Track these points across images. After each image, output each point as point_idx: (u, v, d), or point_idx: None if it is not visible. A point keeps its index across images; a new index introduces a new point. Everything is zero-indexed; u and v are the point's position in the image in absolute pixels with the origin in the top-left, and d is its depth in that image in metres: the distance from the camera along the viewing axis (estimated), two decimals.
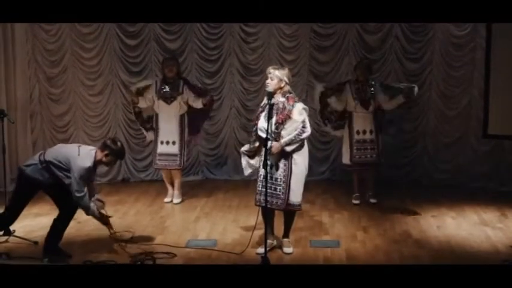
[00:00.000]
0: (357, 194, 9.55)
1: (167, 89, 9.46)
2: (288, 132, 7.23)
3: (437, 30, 10.42)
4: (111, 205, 9.14)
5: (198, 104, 9.48)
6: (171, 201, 9.71)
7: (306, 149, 7.45)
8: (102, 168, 10.30)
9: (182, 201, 9.70)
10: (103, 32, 10.74)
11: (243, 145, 10.68)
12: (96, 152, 7.23)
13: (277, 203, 7.37)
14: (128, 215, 9.05)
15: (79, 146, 7.38)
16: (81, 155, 7.17)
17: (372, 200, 9.49)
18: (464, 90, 10.47)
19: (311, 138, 10.71)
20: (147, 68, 10.85)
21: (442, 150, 10.68)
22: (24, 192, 7.34)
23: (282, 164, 7.32)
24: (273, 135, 7.21)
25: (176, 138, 9.53)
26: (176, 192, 9.74)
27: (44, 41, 10.66)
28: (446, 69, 10.49)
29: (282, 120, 7.22)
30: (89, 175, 7.23)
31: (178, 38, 10.87)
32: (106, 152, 7.20)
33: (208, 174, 11.21)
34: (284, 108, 7.24)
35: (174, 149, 9.53)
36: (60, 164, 7.16)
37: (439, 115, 10.62)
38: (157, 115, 9.59)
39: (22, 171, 7.31)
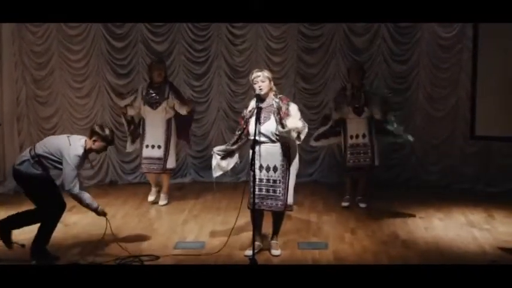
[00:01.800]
0: (347, 197, 9.54)
1: (153, 94, 9.46)
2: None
3: (424, 32, 10.48)
4: None
5: (182, 110, 9.48)
6: (154, 199, 9.73)
7: (297, 149, 7.52)
8: (88, 172, 10.39)
9: (168, 203, 9.71)
10: (90, 33, 10.74)
11: None
12: (86, 141, 7.27)
13: (277, 205, 7.42)
14: (116, 217, 9.03)
15: (68, 136, 7.41)
16: (72, 144, 7.20)
17: (362, 205, 9.47)
18: (452, 92, 10.54)
19: None
20: (134, 70, 10.87)
21: (429, 152, 10.74)
22: (31, 190, 7.34)
23: (279, 165, 7.36)
24: (276, 138, 7.28)
25: (161, 143, 9.51)
26: (162, 194, 9.75)
27: (30, 42, 10.63)
28: (433, 71, 10.55)
29: (283, 118, 7.25)
30: (81, 163, 7.27)
31: (165, 40, 10.89)
32: (94, 138, 7.22)
33: (196, 176, 11.21)
34: (280, 108, 7.29)
35: (159, 153, 9.51)
36: (52, 156, 7.18)
37: (426, 117, 10.68)
38: (143, 120, 9.58)
39: (16, 171, 7.34)
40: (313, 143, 9.73)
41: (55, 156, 7.18)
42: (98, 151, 7.45)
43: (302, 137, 7.30)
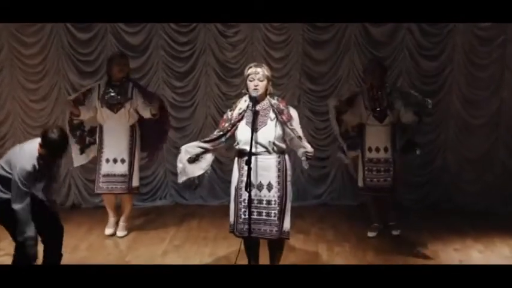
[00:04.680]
0: (375, 225, 9.44)
1: (113, 93, 9.29)
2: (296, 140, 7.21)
3: None
4: None
5: (146, 113, 9.30)
6: (114, 233, 9.56)
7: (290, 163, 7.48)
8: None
9: (128, 234, 9.58)
10: (48, 23, 10.64)
11: (220, 162, 10.72)
12: (39, 145, 7.09)
13: (271, 231, 7.32)
14: (79, 249, 8.96)
15: (30, 141, 7.25)
16: (21, 152, 7.05)
17: (394, 232, 9.37)
18: (493, 94, 10.52)
19: None
20: (102, 67, 10.70)
21: (465, 168, 10.71)
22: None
23: (275, 181, 7.27)
24: (274, 148, 7.19)
25: (125, 155, 9.35)
26: (122, 223, 9.60)
27: None
28: (470, 69, 10.52)
29: (288, 120, 7.18)
30: (33, 177, 7.05)
31: (141, 31, 10.84)
32: (40, 143, 7.04)
33: (179, 198, 11.17)
34: (282, 110, 7.21)
35: (123, 168, 9.36)
36: (5, 173, 7.06)
37: (461, 125, 10.65)
38: (101, 127, 9.41)
39: None
40: (342, 156, 9.59)
41: (7, 172, 7.04)
42: (46, 160, 7.17)
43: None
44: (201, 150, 7.36)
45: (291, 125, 7.19)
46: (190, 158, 7.33)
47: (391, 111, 9.06)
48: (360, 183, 9.37)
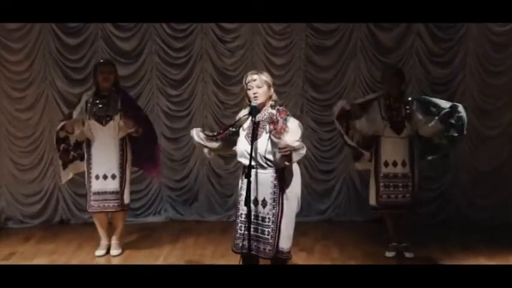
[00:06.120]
0: (394, 244, 9.29)
1: (101, 104, 9.17)
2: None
3: (472, 26, 10.44)
4: (45, 256, 9.11)
5: (127, 125, 9.18)
6: (107, 253, 9.47)
7: (299, 178, 7.38)
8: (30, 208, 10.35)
9: (122, 253, 9.50)
10: (35, 27, 10.64)
11: (218, 175, 10.72)
12: None
13: (264, 249, 7.26)
14: None
15: None
16: None
17: (408, 254, 9.20)
18: (508, 104, 10.52)
19: (308, 166, 10.70)
20: (92, 75, 10.69)
21: (478, 182, 10.70)
22: None
23: (270, 198, 7.23)
24: (268, 162, 7.11)
25: (116, 171, 9.26)
26: (115, 242, 9.51)
27: None
28: (484, 76, 10.54)
29: (276, 130, 7.06)
30: None
31: (133, 36, 10.82)
32: None
33: (174, 213, 11.15)
34: (277, 120, 7.13)
35: (114, 184, 9.25)
36: None
37: (474, 135, 10.63)
38: (88, 141, 9.30)
39: None
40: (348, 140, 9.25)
41: None
42: None
43: (295, 158, 7.07)
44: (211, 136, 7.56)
45: (277, 136, 7.03)
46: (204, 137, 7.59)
47: (410, 123, 8.87)
48: (372, 202, 9.19)
